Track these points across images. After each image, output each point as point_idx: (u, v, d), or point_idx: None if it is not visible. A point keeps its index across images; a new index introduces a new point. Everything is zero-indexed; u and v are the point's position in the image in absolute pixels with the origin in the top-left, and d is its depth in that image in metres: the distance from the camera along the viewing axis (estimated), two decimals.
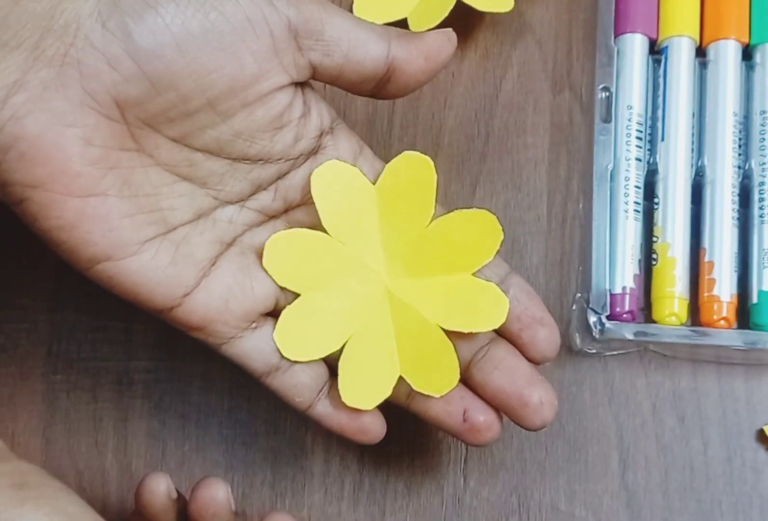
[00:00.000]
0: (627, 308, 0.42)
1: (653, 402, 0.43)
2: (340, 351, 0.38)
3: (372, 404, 0.38)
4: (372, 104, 0.46)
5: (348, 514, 0.42)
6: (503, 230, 0.38)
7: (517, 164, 0.45)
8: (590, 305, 0.42)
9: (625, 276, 0.42)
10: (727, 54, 0.44)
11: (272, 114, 0.37)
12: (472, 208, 0.38)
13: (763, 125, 0.44)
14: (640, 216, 0.43)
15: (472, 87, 0.46)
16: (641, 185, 0.43)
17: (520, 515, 0.42)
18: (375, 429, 0.38)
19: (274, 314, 0.38)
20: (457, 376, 0.37)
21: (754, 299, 0.42)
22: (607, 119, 0.44)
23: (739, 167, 0.44)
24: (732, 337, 0.42)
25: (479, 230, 0.38)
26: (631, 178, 0.43)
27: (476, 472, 0.42)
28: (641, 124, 0.44)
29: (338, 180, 0.38)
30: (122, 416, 0.43)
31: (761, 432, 0.43)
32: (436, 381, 0.37)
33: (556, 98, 0.46)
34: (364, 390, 0.38)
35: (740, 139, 0.44)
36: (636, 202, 0.43)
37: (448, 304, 0.38)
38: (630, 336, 0.41)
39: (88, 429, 0.43)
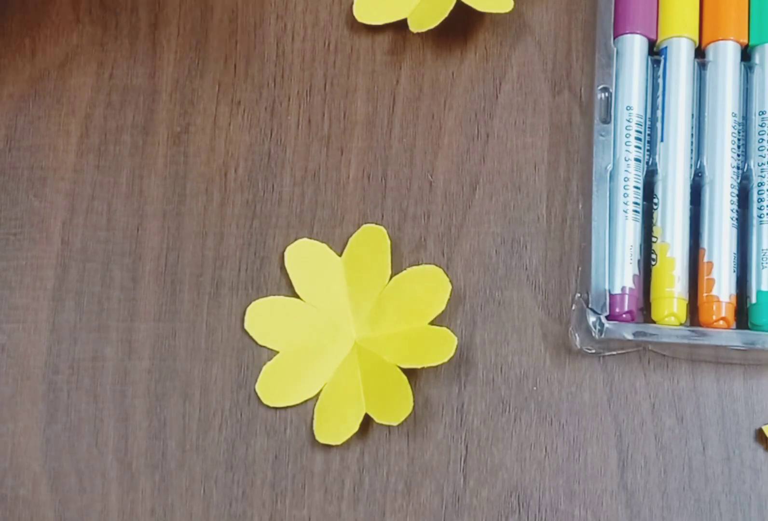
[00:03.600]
0: (626, 308, 0.42)
1: (652, 402, 0.43)
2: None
3: (341, 440, 0.42)
4: (372, 104, 0.46)
5: (348, 514, 0.42)
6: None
7: (517, 165, 0.45)
8: (590, 305, 0.42)
9: (624, 276, 0.42)
10: (726, 55, 0.44)
11: None
12: (422, 264, 0.44)
13: (761, 126, 0.44)
14: (639, 216, 0.43)
15: (472, 87, 0.46)
16: (640, 185, 0.43)
17: (519, 515, 0.42)
18: None
19: None
20: (411, 406, 0.41)
21: (753, 299, 0.42)
22: (606, 120, 0.44)
23: (738, 168, 0.44)
24: (731, 337, 0.42)
25: (430, 283, 0.43)
26: (631, 178, 0.43)
27: (476, 472, 0.42)
28: (640, 125, 0.44)
29: (308, 255, 0.44)
30: (122, 416, 0.43)
31: (760, 431, 0.43)
32: (395, 412, 0.41)
33: (555, 99, 0.46)
34: (335, 429, 0.42)
35: (739, 140, 0.44)
36: (635, 203, 0.43)
37: (405, 347, 0.42)
38: (629, 337, 0.41)
39: (88, 429, 0.43)
